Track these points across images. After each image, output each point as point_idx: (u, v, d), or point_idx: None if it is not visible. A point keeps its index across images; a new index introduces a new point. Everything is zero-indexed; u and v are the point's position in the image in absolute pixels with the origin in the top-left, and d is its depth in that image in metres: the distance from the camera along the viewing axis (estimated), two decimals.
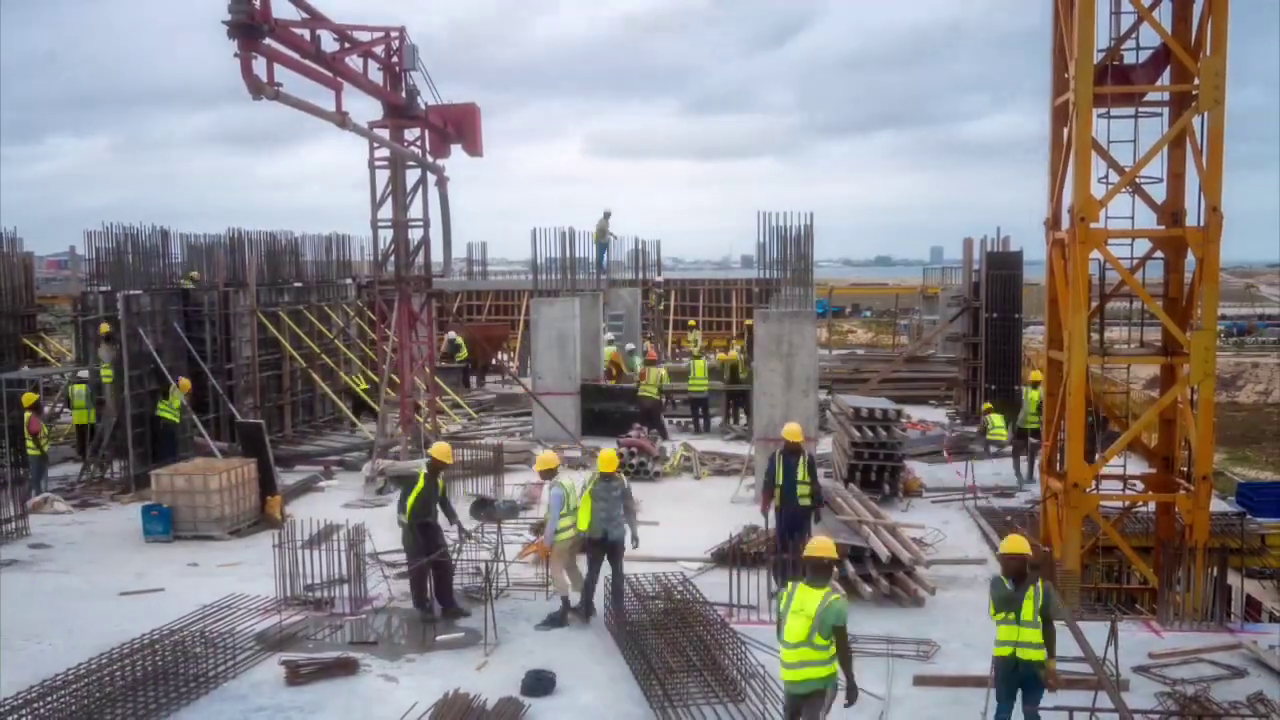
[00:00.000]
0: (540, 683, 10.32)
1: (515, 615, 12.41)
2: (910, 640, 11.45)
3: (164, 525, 15.98)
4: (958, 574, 14.05)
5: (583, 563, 12.56)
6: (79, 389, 20.75)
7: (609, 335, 27.90)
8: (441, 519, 12.62)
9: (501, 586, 13.10)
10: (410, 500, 12.20)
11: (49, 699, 9.84)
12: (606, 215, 31.46)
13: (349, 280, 29.54)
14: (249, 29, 14.34)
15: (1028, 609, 8.64)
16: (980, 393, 24.90)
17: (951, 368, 29.63)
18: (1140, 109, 14.16)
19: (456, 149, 21.90)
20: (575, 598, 12.21)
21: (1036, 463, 17.54)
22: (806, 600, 7.91)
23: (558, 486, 12.21)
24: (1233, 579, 13.78)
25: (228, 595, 13.01)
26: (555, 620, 12.07)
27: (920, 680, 10.47)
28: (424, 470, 12.44)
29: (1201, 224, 13.26)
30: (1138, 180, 13.95)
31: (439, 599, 12.38)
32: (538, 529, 13.10)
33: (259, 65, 14.63)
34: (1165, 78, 14.00)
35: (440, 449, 12.73)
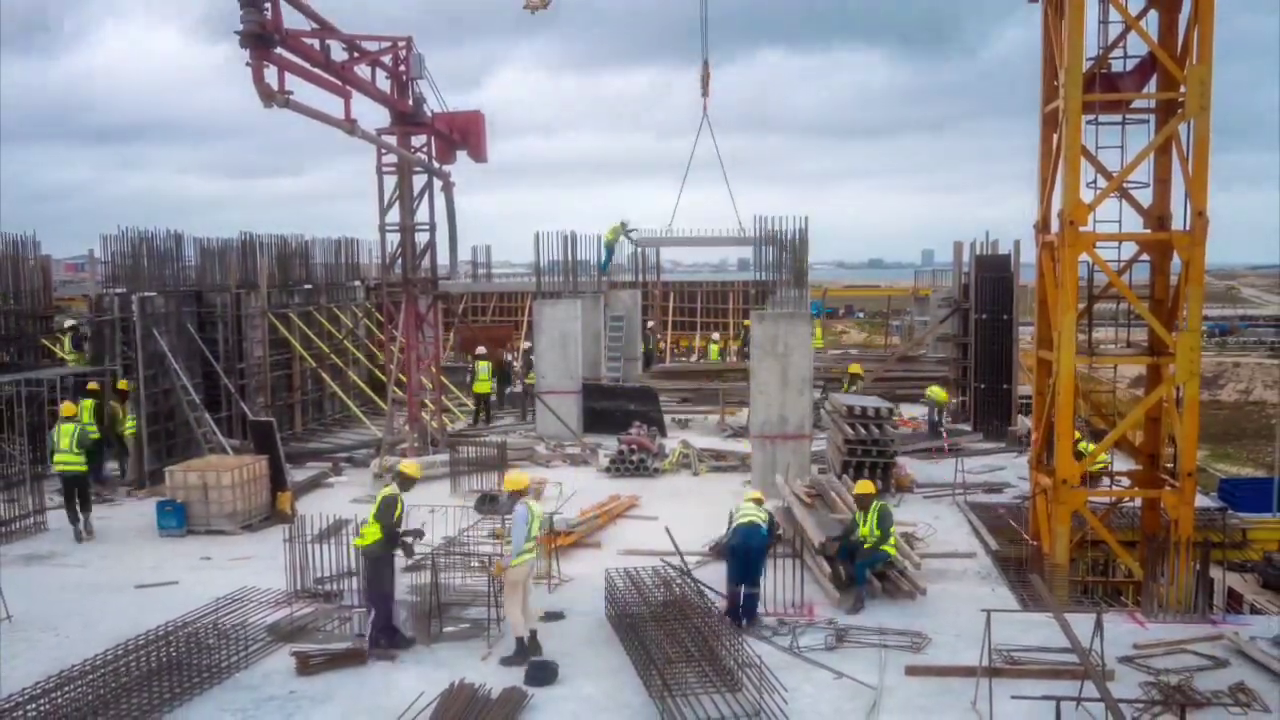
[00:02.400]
0: (543, 673, 10.32)
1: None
2: (902, 632, 11.46)
3: (178, 520, 15.98)
4: (948, 567, 14.03)
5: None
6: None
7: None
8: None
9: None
10: (396, 518, 11.29)
11: (66, 689, 9.83)
12: (623, 224, 31.28)
13: (357, 282, 29.55)
14: (260, 38, 14.34)
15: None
16: (971, 391, 24.89)
17: (942, 367, 29.60)
18: (1128, 116, 14.17)
19: (461, 155, 21.91)
20: (527, 636, 10.89)
21: None
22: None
23: (523, 505, 11.04)
24: (1215, 572, 13.78)
25: (240, 588, 12.99)
26: (514, 661, 10.69)
27: (912, 670, 10.46)
28: (398, 490, 11.50)
29: (1187, 228, 13.25)
30: (1125, 185, 13.95)
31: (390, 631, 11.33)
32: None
33: (270, 74, 14.63)
34: (1152, 85, 14.00)
35: (410, 466, 12.01)
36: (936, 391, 23.81)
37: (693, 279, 42.61)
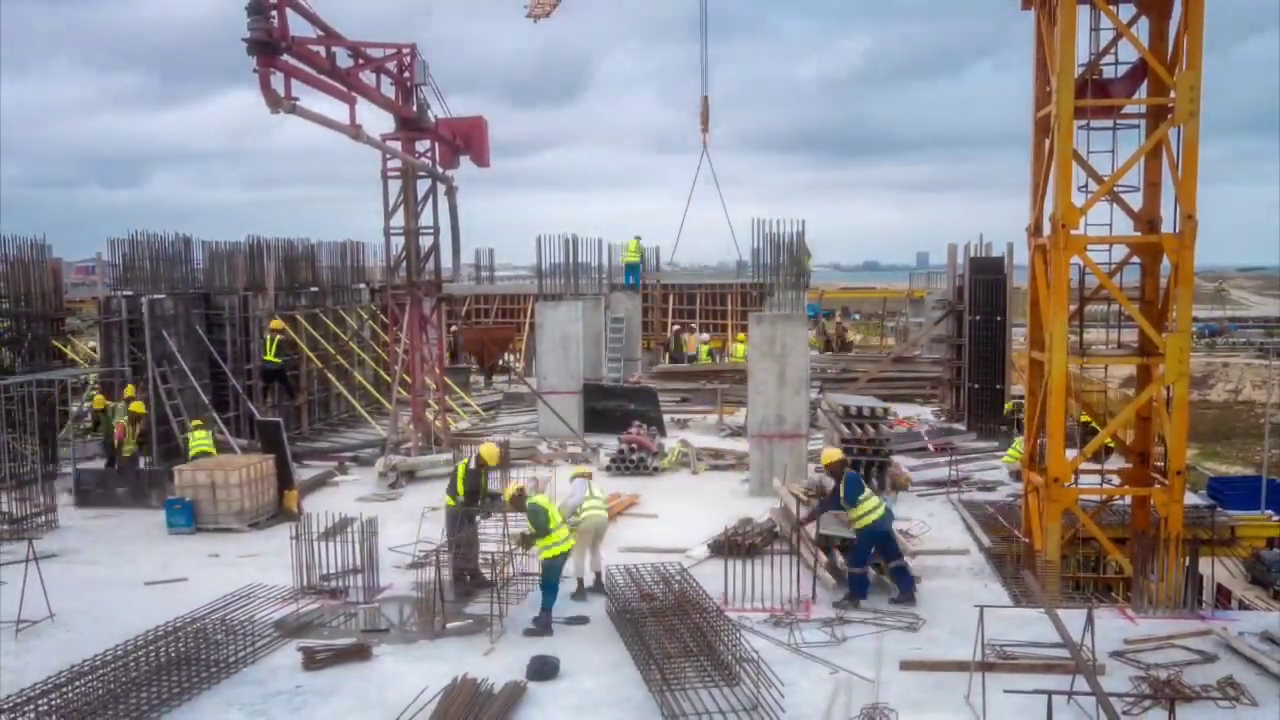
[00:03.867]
0: (545, 668, 10.32)
1: (522, 604, 12.41)
2: (898, 624, 11.47)
3: (186, 518, 15.99)
4: (941, 564, 14.05)
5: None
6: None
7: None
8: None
9: (508, 576, 13.09)
10: (459, 488, 13.07)
11: (77, 683, 9.84)
12: (637, 239, 32.59)
13: (363, 285, 29.55)
14: (267, 46, 14.33)
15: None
16: (964, 391, 24.89)
17: (936, 368, 29.61)
18: (1119, 121, 14.17)
19: (465, 160, 21.92)
20: (589, 579, 12.91)
21: None
22: None
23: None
24: (1203, 568, 13.78)
25: (247, 585, 13.00)
26: (578, 596, 12.64)
27: (906, 665, 10.46)
28: (470, 464, 13.20)
29: (1177, 231, 13.26)
30: (1116, 189, 13.95)
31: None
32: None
33: (277, 81, 14.63)
34: (1143, 91, 14.00)
35: (488, 450, 13.43)
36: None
37: (692, 283, 42.56)
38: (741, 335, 35.38)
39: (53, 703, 9.44)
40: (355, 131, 16.94)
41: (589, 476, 13.62)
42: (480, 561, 13.15)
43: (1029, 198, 14.84)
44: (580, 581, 12.74)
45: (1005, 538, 15.40)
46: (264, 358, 22.55)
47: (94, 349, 28.42)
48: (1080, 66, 13.55)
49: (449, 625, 11.71)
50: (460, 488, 13.07)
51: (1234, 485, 20.67)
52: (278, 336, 22.60)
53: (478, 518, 13.33)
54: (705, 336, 37.22)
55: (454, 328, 34.10)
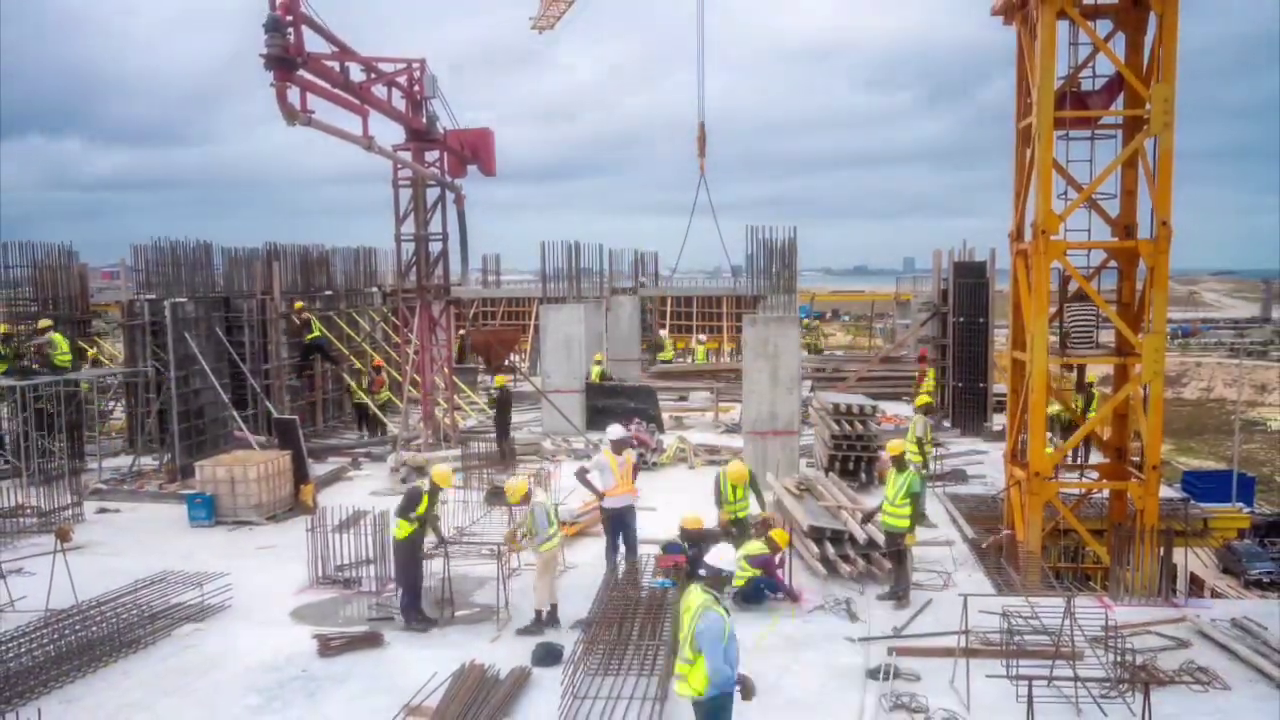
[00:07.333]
0: (549, 654, 10.32)
1: (526, 594, 12.39)
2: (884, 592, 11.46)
3: (207, 512, 15.98)
4: (927, 554, 14.02)
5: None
6: None
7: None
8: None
9: (514, 567, 13.09)
10: (418, 512, 11.40)
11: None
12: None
13: (375, 289, 29.55)
14: (284, 61, 14.33)
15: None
16: (950, 390, 24.87)
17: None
18: (1096, 132, 14.20)
19: (472, 169, 21.93)
20: (547, 610, 11.34)
21: None
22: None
23: (537, 506, 11.55)
24: (1177, 558, 13.76)
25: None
26: (531, 631, 11.12)
27: (893, 651, 10.45)
28: (426, 490, 11.57)
29: (1152, 236, 13.26)
30: (1094, 197, 13.97)
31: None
32: (510, 536, 12.16)
33: (293, 94, 14.62)
34: (1119, 103, 14.01)
35: (441, 475, 11.86)
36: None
37: (689, 288, 42.59)
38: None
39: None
40: (368, 143, 16.94)
41: (534, 500, 11.73)
42: (487, 551, 13.13)
43: (1011, 204, 14.86)
44: (539, 613, 11.25)
45: (989, 529, 15.39)
46: (307, 336, 23.38)
47: (119, 349, 28.42)
48: (1059, 79, 13.56)
49: (457, 614, 11.70)
50: (420, 512, 11.37)
51: (1206, 479, 20.71)
52: (310, 315, 23.61)
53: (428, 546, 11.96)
54: (703, 338, 37.43)
55: (463, 330, 34.12)
